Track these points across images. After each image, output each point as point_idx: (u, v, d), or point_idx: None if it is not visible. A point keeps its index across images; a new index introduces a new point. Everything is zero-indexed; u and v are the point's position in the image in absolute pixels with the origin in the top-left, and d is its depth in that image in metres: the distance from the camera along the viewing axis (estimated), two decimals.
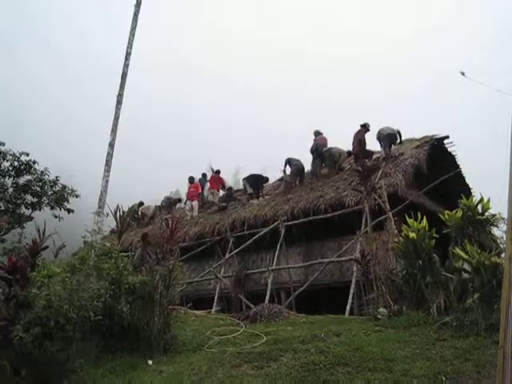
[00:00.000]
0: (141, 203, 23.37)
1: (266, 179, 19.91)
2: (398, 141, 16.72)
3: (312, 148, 17.71)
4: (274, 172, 20.89)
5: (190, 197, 21.41)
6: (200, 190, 21.62)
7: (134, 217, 21.31)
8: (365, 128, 16.68)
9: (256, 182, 19.47)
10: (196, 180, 22.52)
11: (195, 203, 20.82)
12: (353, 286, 12.39)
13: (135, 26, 14.47)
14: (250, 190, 19.22)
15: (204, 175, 23.21)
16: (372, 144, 16.79)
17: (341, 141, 17.88)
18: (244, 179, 20.20)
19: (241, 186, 22.95)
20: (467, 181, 17.23)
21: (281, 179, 19.75)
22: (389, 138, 16.08)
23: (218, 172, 22.02)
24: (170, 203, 22.69)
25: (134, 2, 14.76)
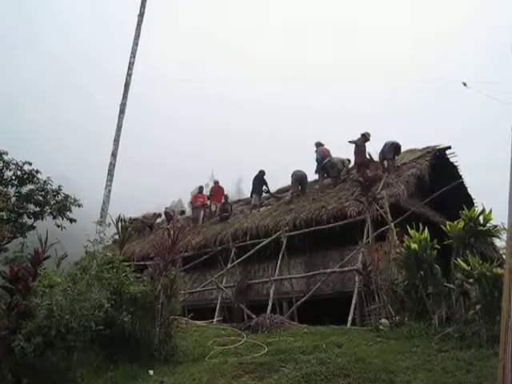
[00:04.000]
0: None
1: (263, 173, 19.93)
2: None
3: (317, 158, 17.79)
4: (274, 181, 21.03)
5: (196, 206, 21.49)
6: (206, 201, 21.67)
7: (137, 229, 21.47)
8: (364, 137, 16.75)
9: (259, 184, 19.57)
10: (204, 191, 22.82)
11: (201, 213, 20.89)
12: (355, 296, 12.35)
13: (138, 36, 14.56)
14: (254, 202, 19.29)
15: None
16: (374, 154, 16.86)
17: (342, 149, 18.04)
18: (252, 193, 20.19)
19: (243, 196, 23.07)
20: (469, 191, 17.26)
21: (286, 190, 19.83)
22: (393, 148, 16.12)
23: (216, 182, 22.12)
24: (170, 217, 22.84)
25: (137, 12, 14.86)
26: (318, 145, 18.13)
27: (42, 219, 16.46)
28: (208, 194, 22.68)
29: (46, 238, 8.49)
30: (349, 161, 17.52)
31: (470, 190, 17.37)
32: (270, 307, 13.81)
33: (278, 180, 21.98)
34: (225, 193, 21.67)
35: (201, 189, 22.53)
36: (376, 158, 16.63)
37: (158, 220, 23.83)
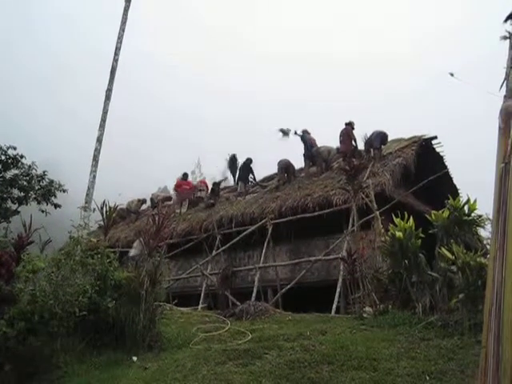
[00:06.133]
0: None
1: (250, 161, 19.99)
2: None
3: (307, 145, 17.78)
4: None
5: (182, 193, 21.33)
6: (193, 188, 21.55)
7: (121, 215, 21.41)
8: (351, 126, 16.75)
9: (246, 172, 19.58)
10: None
11: (185, 201, 20.79)
12: (339, 284, 12.39)
13: (125, 21, 14.38)
14: (240, 189, 19.29)
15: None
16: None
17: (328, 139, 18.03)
18: (238, 180, 20.15)
19: (229, 183, 23.08)
20: (454, 182, 17.34)
21: (271, 178, 19.86)
22: (380, 137, 16.14)
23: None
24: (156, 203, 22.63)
25: None
26: (305, 133, 18.13)
27: (27, 204, 16.30)
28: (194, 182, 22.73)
29: (30, 224, 8.45)
30: (338, 150, 17.52)
31: (457, 184, 17.45)
32: (254, 294, 13.87)
33: (259, 172, 22.00)
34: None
35: (185, 175, 22.08)
36: (362, 147, 16.67)
37: (144, 206, 23.68)
